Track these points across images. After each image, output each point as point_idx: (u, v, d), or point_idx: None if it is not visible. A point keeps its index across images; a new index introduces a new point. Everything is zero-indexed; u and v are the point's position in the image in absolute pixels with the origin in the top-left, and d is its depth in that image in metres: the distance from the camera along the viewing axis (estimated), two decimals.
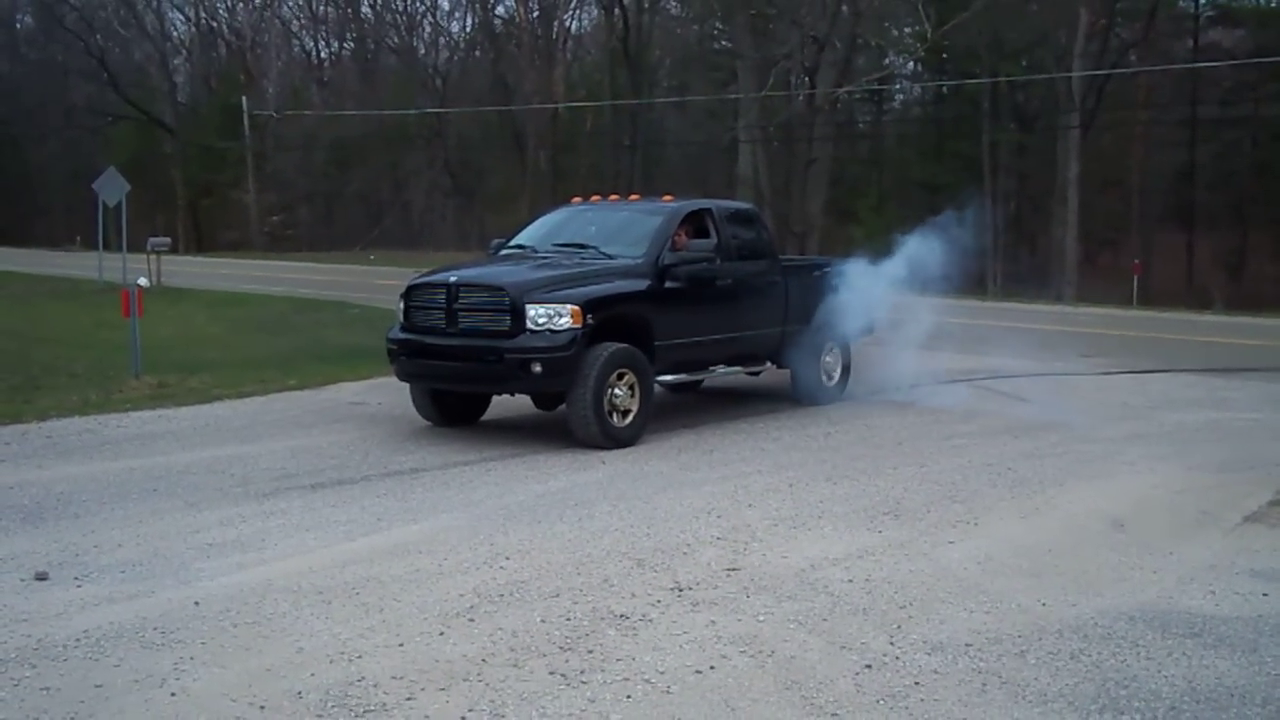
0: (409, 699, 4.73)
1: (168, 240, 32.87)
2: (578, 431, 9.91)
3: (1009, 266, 40.97)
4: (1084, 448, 10.18)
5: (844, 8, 39.59)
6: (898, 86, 54.34)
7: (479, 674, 4.98)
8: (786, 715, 4.66)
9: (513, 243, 11.73)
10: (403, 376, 10.74)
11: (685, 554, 6.78)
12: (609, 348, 9.93)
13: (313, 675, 4.95)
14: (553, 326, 9.73)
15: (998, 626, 5.67)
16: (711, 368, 11.49)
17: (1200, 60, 42.58)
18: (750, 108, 40.69)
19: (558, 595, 6.01)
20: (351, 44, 68.39)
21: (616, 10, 49.67)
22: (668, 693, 4.83)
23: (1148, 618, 5.82)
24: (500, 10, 59.69)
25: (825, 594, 6.10)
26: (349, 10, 66.43)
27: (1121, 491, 8.60)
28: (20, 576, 6.25)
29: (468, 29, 64.70)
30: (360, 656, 5.16)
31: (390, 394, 12.10)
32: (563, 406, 10.22)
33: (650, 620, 5.66)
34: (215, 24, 67.90)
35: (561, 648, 5.29)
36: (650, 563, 6.60)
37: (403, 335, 10.52)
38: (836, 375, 12.65)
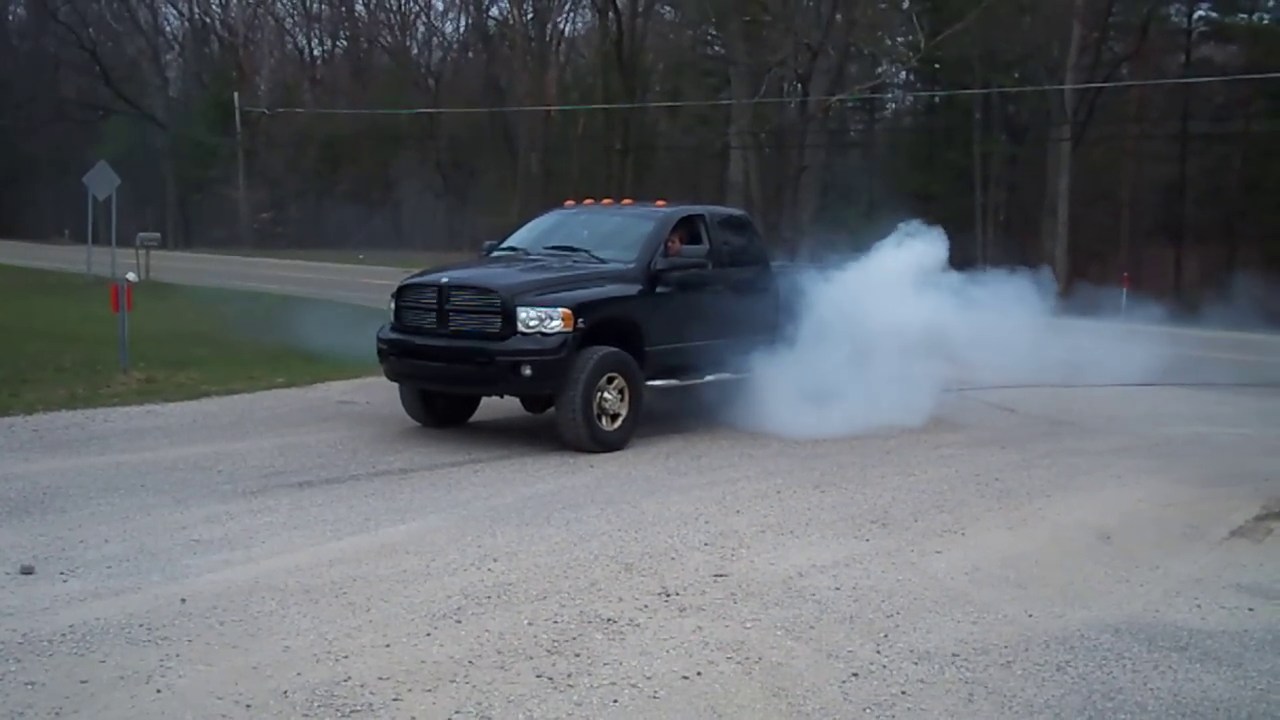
0: (395, 699, 4.73)
1: (157, 235, 32.82)
2: (566, 435, 9.90)
3: None
4: (1071, 460, 10.21)
5: (838, 16, 39.63)
6: (890, 96, 54.54)
7: (465, 676, 4.98)
8: None
9: (505, 245, 11.74)
10: (392, 376, 10.73)
11: (673, 559, 6.79)
12: (599, 351, 9.93)
13: (299, 674, 4.94)
14: (543, 329, 9.72)
15: (984, 637, 5.68)
16: (702, 373, 11.45)
17: (1192, 75, 42.71)
18: (743, 114, 40.69)
19: (545, 598, 6.01)
20: (344, 42, 68.33)
21: (610, 14, 49.66)
22: (654, 698, 4.83)
23: (1134, 630, 5.84)
24: (494, 11, 59.66)
25: (812, 601, 6.11)
26: (342, 8, 66.38)
27: (1108, 504, 8.63)
28: (5, 570, 6.22)
29: (461, 30, 64.72)
30: (347, 656, 5.15)
31: (379, 393, 12.07)
32: (552, 409, 10.22)
33: (637, 625, 5.66)
34: (208, 19, 67.70)
35: (548, 651, 5.29)
36: (638, 567, 6.60)
37: (393, 335, 10.51)
38: None
